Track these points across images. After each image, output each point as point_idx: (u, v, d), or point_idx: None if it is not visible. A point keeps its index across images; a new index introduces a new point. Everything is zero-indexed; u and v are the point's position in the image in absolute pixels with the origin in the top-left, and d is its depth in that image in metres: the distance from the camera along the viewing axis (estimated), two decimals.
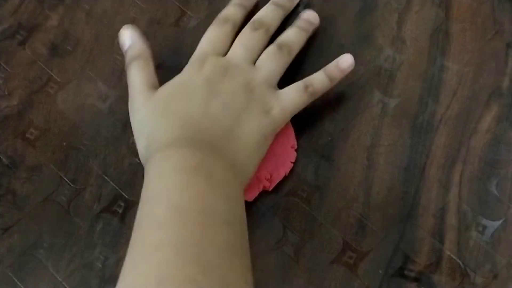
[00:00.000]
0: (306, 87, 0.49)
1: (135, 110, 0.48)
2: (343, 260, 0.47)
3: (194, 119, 0.46)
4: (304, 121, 0.52)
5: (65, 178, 0.50)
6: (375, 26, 0.56)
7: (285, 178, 0.50)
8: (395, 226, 0.48)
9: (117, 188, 0.50)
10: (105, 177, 0.50)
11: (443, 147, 0.51)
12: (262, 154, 0.48)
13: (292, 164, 0.50)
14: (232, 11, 0.52)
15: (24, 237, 0.49)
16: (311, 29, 0.53)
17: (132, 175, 0.50)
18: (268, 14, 0.53)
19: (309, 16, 0.53)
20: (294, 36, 0.52)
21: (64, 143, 0.52)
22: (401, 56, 0.54)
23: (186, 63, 0.54)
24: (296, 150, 0.51)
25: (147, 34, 0.56)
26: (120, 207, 0.49)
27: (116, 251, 0.48)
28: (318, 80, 0.50)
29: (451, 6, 0.56)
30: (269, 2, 0.54)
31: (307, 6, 0.57)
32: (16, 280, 0.47)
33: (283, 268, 0.47)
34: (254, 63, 0.50)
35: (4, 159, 0.51)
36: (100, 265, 0.48)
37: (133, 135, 0.52)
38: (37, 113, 0.53)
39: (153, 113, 0.47)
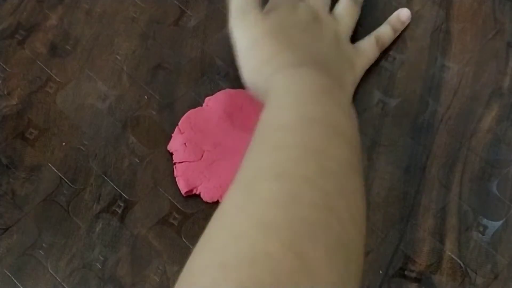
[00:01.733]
0: (377, 41, 0.53)
1: (245, 26, 0.48)
2: None
3: (310, 53, 0.48)
4: None
5: (64, 178, 0.50)
6: (376, 25, 0.56)
7: None
8: (395, 226, 0.48)
9: (116, 188, 0.50)
10: (105, 177, 0.50)
11: (443, 147, 0.51)
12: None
13: None
14: None
15: (23, 237, 0.48)
16: None
17: (132, 175, 0.50)
18: None
19: None
20: None
21: (64, 143, 0.52)
22: (402, 56, 0.54)
23: (186, 63, 0.55)
24: None
25: (147, 33, 0.56)
26: (119, 207, 0.49)
27: (116, 251, 0.48)
28: (385, 33, 0.54)
29: (451, 6, 0.56)
30: None
31: None
32: (15, 280, 0.47)
33: None
34: (330, 11, 0.53)
35: (3, 159, 0.51)
36: (100, 265, 0.47)
37: (132, 135, 0.52)
38: (37, 113, 0.53)
39: (272, 34, 0.48)
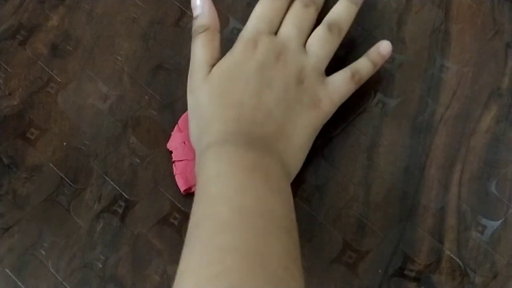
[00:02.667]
0: (353, 75, 0.49)
1: (191, 89, 0.49)
2: (343, 260, 0.47)
3: (248, 110, 0.46)
4: None
5: (65, 178, 0.50)
6: (375, 26, 0.56)
7: None
8: (395, 226, 0.48)
9: (117, 188, 0.50)
10: (105, 177, 0.50)
11: (443, 147, 0.51)
12: (308, 150, 0.48)
13: None
14: None
15: (24, 237, 0.49)
16: (360, 1, 0.52)
17: (132, 175, 0.50)
18: None
19: None
20: (344, 12, 0.51)
21: (65, 143, 0.52)
22: (401, 56, 0.54)
23: (186, 63, 0.54)
24: None
25: (148, 34, 0.56)
26: (120, 207, 0.49)
27: (116, 251, 0.48)
28: (364, 67, 0.50)
29: (450, 7, 0.56)
30: None
31: None
32: (16, 280, 0.47)
33: None
34: (305, 42, 0.49)
35: (4, 159, 0.51)
36: (101, 265, 0.48)
37: (133, 135, 0.52)
38: (38, 113, 0.53)
39: (208, 99, 0.47)
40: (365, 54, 0.51)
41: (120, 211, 0.49)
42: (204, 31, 0.49)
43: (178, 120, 0.52)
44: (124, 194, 0.50)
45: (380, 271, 0.47)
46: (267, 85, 0.47)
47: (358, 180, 0.50)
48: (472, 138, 0.51)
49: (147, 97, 0.53)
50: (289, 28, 0.49)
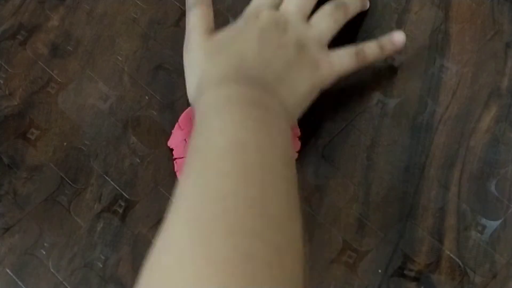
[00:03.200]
0: (357, 53, 0.50)
1: (190, 50, 0.49)
2: (343, 259, 0.47)
3: (247, 59, 0.46)
4: (304, 121, 0.52)
5: (65, 178, 0.50)
6: (375, 27, 0.56)
7: None
8: (394, 226, 0.48)
9: (117, 188, 0.50)
10: (106, 177, 0.50)
11: (442, 147, 0.51)
12: (308, 103, 0.48)
13: (297, 154, 0.50)
14: None
15: (25, 237, 0.49)
16: None
17: (133, 175, 0.50)
18: None
19: None
20: None
21: (65, 143, 0.52)
22: (401, 57, 0.54)
23: None
24: (300, 139, 0.51)
25: (148, 34, 0.56)
26: (120, 206, 0.49)
27: (117, 250, 0.48)
28: (370, 49, 0.51)
29: (450, 7, 0.56)
30: None
31: None
32: (17, 280, 0.47)
33: None
34: (307, 18, 0.50)
35: (5, 159, 0.51)
36: (101, 265, 0.48)
37: (133, 135, 0.52)
38: (38, 113, 0.53)
39: (207, 53, 0.47)
40: (379, 38, 0.51)
41: (120, 211, 0.49)
42: (198, 5, 0.50)
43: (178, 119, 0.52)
44: (124, 194, 0.50)
45: (380, 271, 0.47)
46: (267, 45, 0.47)
47: (358, 180, 0.50)
48: (472, 138, 0.51)
49: (147, 97, 0.53)
50: (291, 3, 0.50)
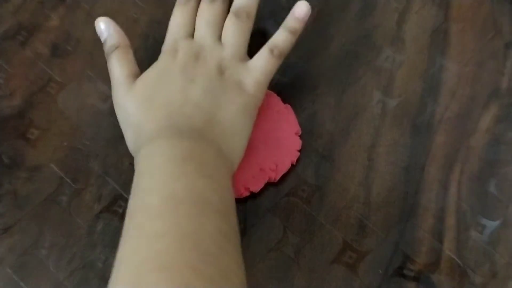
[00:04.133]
0: (271, 50, 0.49)
1: (117, 103, 0.49)
2: (343, 260, 0.47)
3: (176, 107, 0.46)
4: (304, 121, 0.52)
5: (65, 178, 0.50)
6: (375, 26, 0.56)
7: (285, 177, 0.50)
8: (395, 226, 0.48)
9: (117, 188, 0.50)
10: (106, 177, 0.50)
11: (442, 147, 0.51)
12: (247, 134, 0.48)
13: (299, 153, 0.50)
14: None
15: (24, 237, 0.49)
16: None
17: (132, 175, 0.50)
18: None
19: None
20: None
21: (65, 143, 0.52)
22: (401, 56, 0.54)
23: None
24: (300, 137, 0.51)
25: (148, 34, 0.56)
26: (120, 207, 0.49)
27: (117, 251, 0.48)
28: (281, 39, 0.49)
29: (451, 7, 0.56)
30: None
31: None
32: (17, 280, 0.47)
33: (283, 269, 0.47)
34: (220, 35, 0.50)
35: (4, 159, 0.51)
36: (101, 265, 0.48)
37: None
38: (38, 113, 0.53)
39: (136, 106, 0.47)
40: (282, 24, 0.50)
41: (120, 211, 0.49)
42: (115, 49, 0.49)
43: None
44: (124, 194, 0.50)
45: (380, 271, 0.47)
46: (191, 82, 0.47)
47: (358, 180, 0.50)
48: (472, 138, 0.51)
49: None
50: (202, 27, 0.50)
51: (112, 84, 0.49)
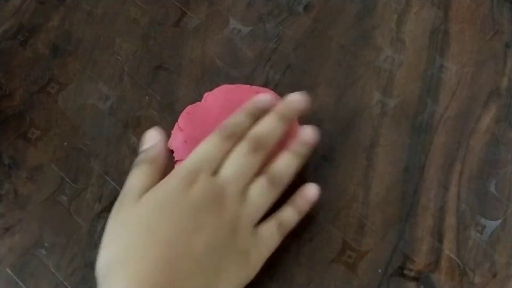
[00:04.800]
0: (278, 226, 0.46)
1: (118, 214, 0.44)
2: (342, 259, 0.47)
3: (174, 254, 0.42)
4: (304, 121, 0.52)
5: (66, 178, 0.50)
6: (374, 27, 0.56)
7: None
8: (394, 226, 0.48)
9: (118, 188, 0.50)
10: (106, 177, 0.50)
11: (442, 147, 0.51)
12: None
13: None
14: (241, 124, 0.47)
15: (25, 237, 0.49)
16: (308, 152, 0.48)
17: None
18: (272, 131, 0.47)
19: (307, 136, 0.48)
20: (288, 164, 0.47)
21: (65, 143, 0.52)
22: (400, 57, 0.54)
23: (186, 64, 0.55)
24: None
25: (148, 34, 0.56)
26: None
27: None
28: (288, 217, 0.47)
29: (450, 7, 0.56)
30: (274, 112, 0.48)
31: (307, 7, 0.57)
32: (17, 280, 0.47)
33: (283, 268, 0.47)
34: (245, 187, 0.46)
35: (5, 159, 0.51)
36: None
37: (134, 135, 0.52)
38: (38, 113, 0.53)
39: (134, 229, 0.43)
40: (291, 200, 0.47)
41: None
42: (149, 163, 0.46)
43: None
44: None
45: (379, 270, 0.47)
46: (198, 228, 0.43)
47: (358, 180, 0.50)
48: (472, 138, 0.51)
49: (147, 97, 0.53)
50: (231, 170, 0.45)
51: (121, 192, 0.45)
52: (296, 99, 0.48)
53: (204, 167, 0.45)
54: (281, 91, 0.53)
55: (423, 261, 0.47)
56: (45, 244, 0.48)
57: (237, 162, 0.46)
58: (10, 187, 0.50)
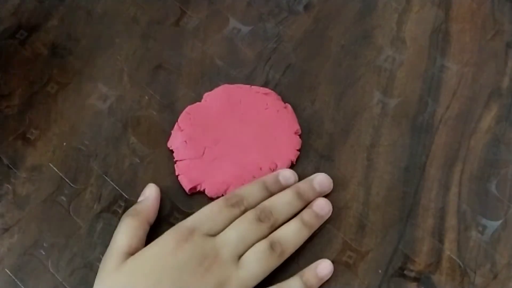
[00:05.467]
0: None
1: (101, 274, 0.44)
2: (343, 259, 0.47)
3: None
4: (304, 120, 0.52)
5: (65, 178, 0.50)
6: (375, 26, 0.56)
7: None
8: (395, 226, 0.48)
9: (117, 188, 0.50)
10: (105, 177, 0.50)
11: (443, 147, 0.51)
12: None
13: (298, 152, 0.50)
14: (252, 195, 0.46)
15: (24, 237, 0.48)
16: (317, 224, 0.46)
17: (133, 175, 0.50)
18: (284, 206, 0.46)
19: (320, 207, 0.46)
20: (293, 235, 0.45)
21: (64, 143, 0.52)
22: (401, 56, 0.54)
23: (186, 63, 0.55)
24: (300, 136, 0.51)
25: (147, 34, 0.56)
26: (120, 207, 0.49)
27: None
28: None
29: (450, 6, 0.56)
30: (294, 189, 0.47)
31: (307, 6, 0.57)
32: (16, 280, 0.47)
33: (283, 269, 0.47)
34: (241, 255, 0.44)
35: (4, 159, 0.51)
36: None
37: (133, 135, 0.52)
38: (38, 113, 0.53)
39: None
40: (300, 272, 0.45)
41: (120, 211, 0.49)
42: (135, 216, 0.46)
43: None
44: (124, 194, 0.50)
45: (380, 271, 0.47)
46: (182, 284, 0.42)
47: (358, 180, 0.50)
48: (472, 138, 0.51)
49: (147, 97, 0.53)
50: (230, 234, 0.44)
51: (108, 249, 0.45)
52: (323, 183, 0.47)
53: (202, 227, 0.44)
54: (281, 90, 0.53)
55: (424, 261, 0.47)
56: (44, 245, 0.48)
57: (239, 227, 0.44)
58: (9, 188, 0.50)
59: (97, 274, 0.44)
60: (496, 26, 0.55)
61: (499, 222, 0.48)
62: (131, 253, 0.44)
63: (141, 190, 0.50)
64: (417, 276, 0.47)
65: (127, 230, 0.45)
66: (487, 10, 0.56)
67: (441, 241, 0.48)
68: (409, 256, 0.47)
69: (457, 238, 0.48)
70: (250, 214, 0.45)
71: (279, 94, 0.53)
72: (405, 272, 0.47)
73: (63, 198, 0.50)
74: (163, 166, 0.50)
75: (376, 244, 0.48)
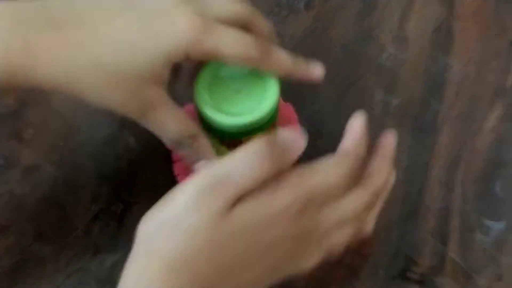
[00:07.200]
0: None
1: (174, 221, 0.37)
2: (344, 262, 0.47)
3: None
4: (304, 120, 0.51)
5: (61, 178, 0.50)
6: (376, 24, 0.56)
7: None
8: (397, 227, 0.48)
9: (115, 188, 0.50)
10: (103, 178, 0.50)
11: (445, 147, 0.51)
12: None
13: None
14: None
15: (21, 238, 0.48)
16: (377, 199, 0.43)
17: (130, 176, 0.50)
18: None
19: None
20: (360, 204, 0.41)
21: (61, 143, 0.51)
22: (403, 55, 0.54)
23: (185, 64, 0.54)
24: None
25: None
26: (118, 207, 0.49)
27: (114, 252, 0.47)
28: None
29: (453, 4, 0.56)
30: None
31: (307, 5, 0.57)
32: (13, 282, 0.47)
33: None
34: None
35: (0, 159, 0.51)
36: (98, 266, 0.47)
37: (130, 136, 0.51)
38: (34, 112, 0.53)
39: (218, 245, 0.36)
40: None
41: (118, 212, 0.49)
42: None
43: None
44: (121, 195, 0.49)
45: (382, 273, 0.47)
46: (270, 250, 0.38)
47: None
48: (476, 138, 0.51)
49: None
50: (335, 212, 0.40)
51: (179, 190, 0.38)
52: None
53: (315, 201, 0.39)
54: (281, 90, 0.53)
55: (427, 263, 0.47)
56: (41, 246, 0.48)
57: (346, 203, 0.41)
58: (5, 188, 0.50)
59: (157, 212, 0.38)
60: (500, 24, 0.55)
61: (503, 223, 0.48)
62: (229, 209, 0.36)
63: (139, 191, 0.49)
64: (419, 278, 0.47)
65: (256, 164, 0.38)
66: (491, 8, 0.56)
67: (444, 242, 0.47)
68: (411, 258, 0.47)
69: (460, 240, 0.48)
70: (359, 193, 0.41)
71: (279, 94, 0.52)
72: (408, 274, 0.47)
73: (60, 198, 0.49)
74: (161, 167, 0.50)
75: (378, 245, 0.47)
